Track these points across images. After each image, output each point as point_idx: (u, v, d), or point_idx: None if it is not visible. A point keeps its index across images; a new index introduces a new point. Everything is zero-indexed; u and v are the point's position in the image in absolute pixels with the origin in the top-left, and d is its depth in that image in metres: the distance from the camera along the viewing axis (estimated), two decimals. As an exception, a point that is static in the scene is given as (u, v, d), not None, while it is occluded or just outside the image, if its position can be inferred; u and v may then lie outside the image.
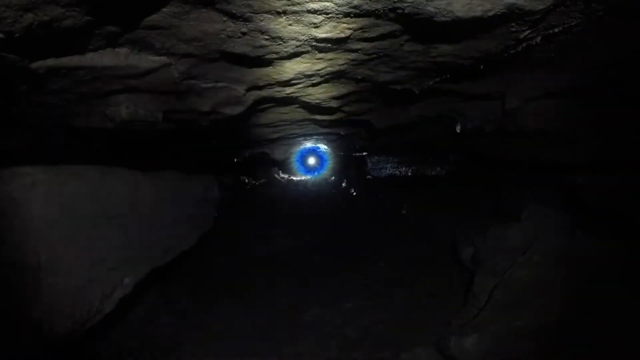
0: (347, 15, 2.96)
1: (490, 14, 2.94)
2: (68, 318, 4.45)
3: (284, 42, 3.42)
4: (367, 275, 7.65)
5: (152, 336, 5.99)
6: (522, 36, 3.47)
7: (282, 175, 15.70)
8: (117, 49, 3.47)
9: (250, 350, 5.56)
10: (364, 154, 14.63)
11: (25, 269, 4.35)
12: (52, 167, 4.91)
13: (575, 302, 4.82)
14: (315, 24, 3.07)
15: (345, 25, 3.14)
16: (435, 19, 2.97)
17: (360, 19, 3.05)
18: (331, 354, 5.40)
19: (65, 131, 5.24)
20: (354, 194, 12.91)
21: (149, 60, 3.68)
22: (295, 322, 6.18)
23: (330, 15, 2.94)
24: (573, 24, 3.34)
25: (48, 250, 4.45)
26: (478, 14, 2.92)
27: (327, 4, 2.80)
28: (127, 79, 3.95)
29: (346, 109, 6.38)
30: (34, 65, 3.30)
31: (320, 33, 3.26)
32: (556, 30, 3.42)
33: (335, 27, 3.16)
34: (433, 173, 13.56)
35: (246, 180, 14.07)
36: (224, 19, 2.98)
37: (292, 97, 5.32)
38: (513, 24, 3.22)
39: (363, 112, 6.82)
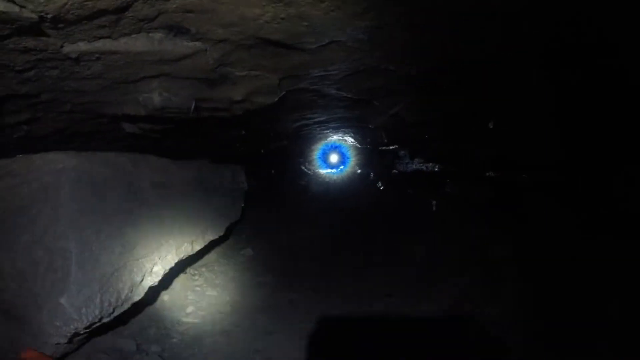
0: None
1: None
2: (96, 305, 4.43)
3: (324, 29, 3.34)
4: (393, 273, 7.56)
5: (177, 325, 5.96)
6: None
7: (308, 167, 15.62)
8: (151, 34, 3.40)
9: (274, 345, 5.52)
10: (391, 148, 14.49)
11: (55, 254, 4.34)
12: (82, 153, 4.90)
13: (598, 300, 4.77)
14: (357, 12, 2.98)
15: (387, 15, 3.05)
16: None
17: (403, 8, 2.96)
18: (356, 354, 5.34)
19: (97, 117, 5.22)
20: (381, 188, 12.79)
21: (184, 46, 3.62)
22: (319, 319, 6.11)
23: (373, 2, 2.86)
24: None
25: (78, 236, 4.43)
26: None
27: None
28: (160, 64, 3.89)
29: (378, 101, 6.28)
30: (66, 49, 3.25)
31: (361, 21, 3.17)
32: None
33: (378, 15, 3.07)
34: (461, 171, 13.37)
35: (273, 172, 14.04)
36: (264, 3, 2.89)
37: (325, 87, 5.24)
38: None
39: (395, 105, 6.70)
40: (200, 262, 7.34)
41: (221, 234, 7.03)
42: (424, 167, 14.45)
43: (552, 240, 6.06)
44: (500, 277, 6.35)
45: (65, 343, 4.43)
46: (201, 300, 6.63)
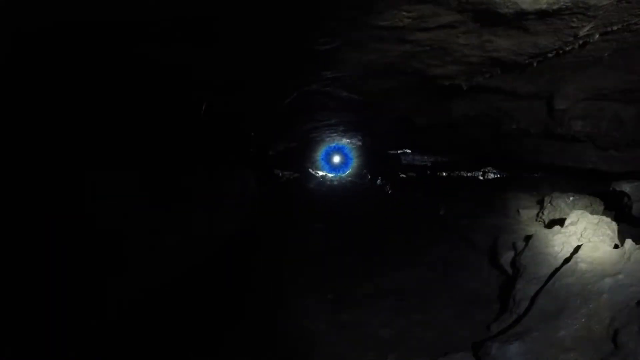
0: (408, 2, 2.84)
1: (555, 7, 2.82)
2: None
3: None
4: (404, 276, 7.48)
5: (178, 335, 5.90)
6: (580, 32, 3.32)
7: (316, 170, 15.60)
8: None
9: (285, 352, 5.46)
10: (399, 151, 14.47)
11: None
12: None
13: (623, 315, 4.63)
14: (377, 11, 2.96)
15: (405, 13, 3.02)
16: (498, 10, 2.85)
17: (421, 6, 2.93)
18: (367, 355, 5.27)
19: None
20: (389, 192, 12.73)
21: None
22: (331, 321, 6.06)
23: (391, 1, 2.83)
24: (633, 21, 3.20)
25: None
26: (543, 6, 2.80)
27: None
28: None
29: (389, 103, 6.26)
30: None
31: (379, 21, 3.14)
32: (615, 27, 3.28)
33: (394, 15, 3.04)
34: (470, 174, 13.34)
35: (280, 175, 13.97)
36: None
37: (337, 89, 5.22)
38: (574, 19, 3.08)
39: (406, 108, 6.69)
40: (208, 270, 7.27)
41: (229, 240, 7.00)
42: (433, 172, 14.43)
43: (574, 247, 5.99)
44: (511, 284, 6.29)
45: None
46: (207, 310, 6.55)
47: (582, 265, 5.22)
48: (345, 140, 13.11)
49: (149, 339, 5.38)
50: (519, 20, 3.06)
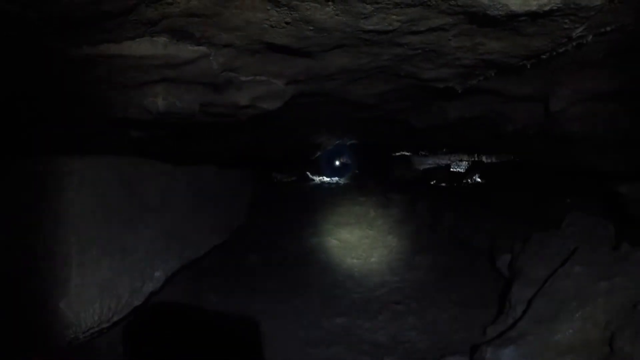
0: (397, 5, 2.82)
1: (546, 8, 2.79)
2: (95, 311, 4.38)
3: (329, 33, 3.29)
4: (399, 279, 7.50)
5: (181, 332, 5.90)
6: (574, 34, 3.29)
7: (313, 173, 15.59)
8: (155, 38, 3.37)
9: (281, 354, 5.45)
10: (398, 154, 14.50)
11: (56, 259, 4.30)
12: (86, 157, 4.83)
13: (619, 318, 4.61)
14: (363, 14, 2.94)
15: (394, 17, 3.00)
16: (488, 12, 2.82)
17: (411, 9, 2.91)
18: (363, 359, 5.28)
19: (101, 121, 5.19)
20: (386, 194, 12.71)
21: (188, 50, 3.58)
22: (327, 325, 6.05)
23: (380, 5, 2.81)
24: (627, 22, 3.18)
25: (79, 241, 4.37)
26: (533, 8, 2.77)
27: (379, -8, 2.68)
28: (164, 69, 3.86)
29: (385, 106, 6.24)
30: (70, 52, 3.22)
31: (368, 25, 3.12)
32: (608, 29, 3.26)
33: (384, 18, 3.01)
34: (469, 176, 13.34)
35: (278, 178, 14.00)
36: (268, 7, 2.85)
37: (331, 92, 5.20)
38: (567, 20, 3.05)
39: (402, 111, 6.66)
40: (204, 267, 7.27)
41: (225, 239, 6.99)
42: (432, 174, 14.43)
43: (571, 249, 5.98)
44: (508, 287, 6.27)
45: (63, 348, 4.38)
46: (205, 307, 6.57)
47: (578, 268, 5.19)
48: (342, 144, 13.09)
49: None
50: (510, 22, 3.03)
